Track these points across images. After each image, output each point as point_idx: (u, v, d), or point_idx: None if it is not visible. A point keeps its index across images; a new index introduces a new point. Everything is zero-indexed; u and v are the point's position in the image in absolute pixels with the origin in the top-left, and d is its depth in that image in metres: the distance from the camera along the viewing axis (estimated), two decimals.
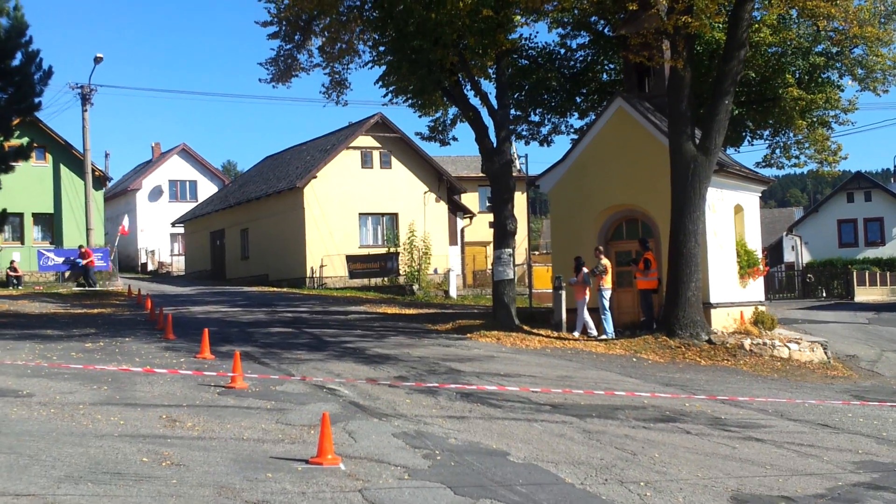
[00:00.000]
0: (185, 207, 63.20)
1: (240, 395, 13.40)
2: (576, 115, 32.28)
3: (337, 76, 27.56)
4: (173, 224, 60.89)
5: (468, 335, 23.09)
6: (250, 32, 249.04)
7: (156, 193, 65.54)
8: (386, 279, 43.81)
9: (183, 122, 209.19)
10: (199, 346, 17.64)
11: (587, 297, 23.55)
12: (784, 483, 9.82)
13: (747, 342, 22.14)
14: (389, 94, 27.22)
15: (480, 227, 52.07)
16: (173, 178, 66.84)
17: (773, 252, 71.97)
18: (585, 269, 23.58)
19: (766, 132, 31.31)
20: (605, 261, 23.49)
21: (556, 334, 23.71)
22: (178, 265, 62.88)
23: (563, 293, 24.51)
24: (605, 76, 32.10)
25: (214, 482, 8.58)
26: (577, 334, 23.34)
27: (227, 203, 53.64)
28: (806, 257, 67.54)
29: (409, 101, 27.84)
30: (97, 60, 43.79)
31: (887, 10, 25.75)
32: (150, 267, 62.66)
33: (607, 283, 23.35)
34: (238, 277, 50.40)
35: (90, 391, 13.17)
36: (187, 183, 67.46)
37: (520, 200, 41.61)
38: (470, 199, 56.54)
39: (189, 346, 18.76)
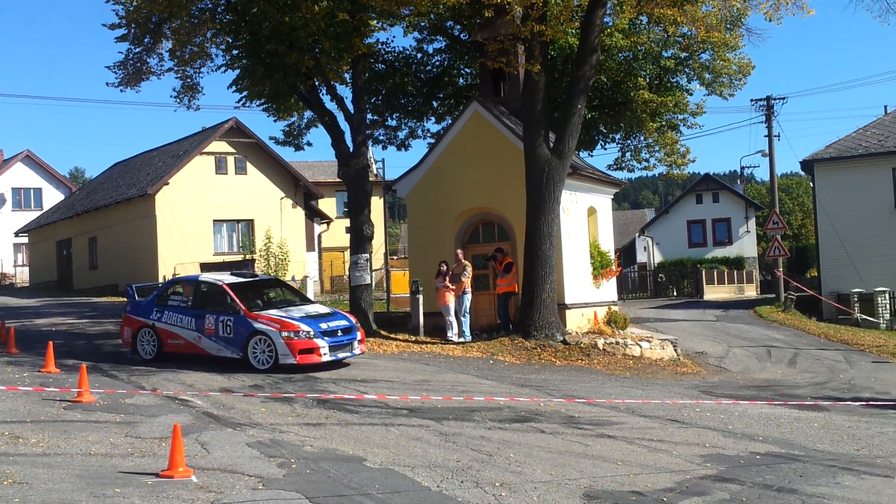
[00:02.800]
0: (30, 216, 60.83)
1: (87, 409, 12.97)
2: (433, 119, 32.44)
3: (189, 80, 27.00)
4: (17, 234, 58.63)
5: None
6: (98, 35, 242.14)
7: None
8: None
9: (27, 128, 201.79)
10: (43, 359, 17.03)
11: (453, 301, 23.57)
12: (635, 478, 10.01)
13: (601, 342, 22.57)
14: (243, 99, 26.84)
15: (338, 233, 51.74)
16: (17, 186, 64.29)
17: (627, 253, 73.78)
18: (454, 274, 23.57)
19: (618, 136, 32.05)
20: (468, 265, 23.61)
21: (413, 338, 23.72)
22: (23, 276, 60.51)
23: (421, 297, 24.54)
24: (461, 80, 32.33)
25: (59, 500, 8.27)
26: (456, 338, 23.28)
27: (74, 211, 51.89)
28: (658, 257, 69.40)
29: (264, 105, 27.53)
30: None
31: (733, 17, 26.64)
32: None
33: (468, 286, 23.48)
34: (86, 288, 48.77)
35: None
36: (32, 191, 64.95)
37: (377, 205, 41.57)
38: (327, 205, 56.21)
39: (33, 359, 18.09)
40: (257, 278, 22.80)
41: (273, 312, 18.86)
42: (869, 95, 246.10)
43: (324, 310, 20.13)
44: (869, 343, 28.35)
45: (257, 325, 18.26)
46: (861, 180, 39.17)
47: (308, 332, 18.09)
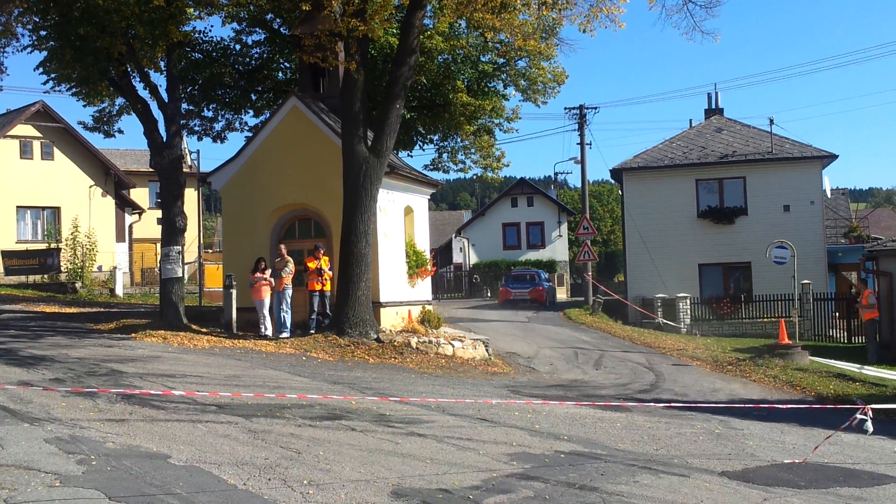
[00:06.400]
0: None
1: None
2: (251, 112, 32.04)
3: None
4: None
5: (133, 335, 22.23)
6: None
7: None
8: (46, 276, 41.52)
9: None
10: None
11: (268, 296, 23.25)
12: (442, 476, 10.10)
13: (414, 340, 22.72)
14: (51, 82, 25.81)
15: (150, 224, 50.56)
16: None
17: (444, 253, 74.63)
18: (276, 269, 23.19)
19: (436, 137, 32.42)
20: (290, 260, 23.31)
21: (226, 333, 23.32)
22: None
23: (234, 292, 24.12)
24: (280, 74, 32.05)
25: None
26: (271, 333, 22.97)
27: None
28: (473, 258, 70.47)
29: (73, 89, 26.52)
30: None
31: (548, 26, 27.34)
32: None
33: (289, 282, 23.19)
34: None
35: None
36: None
37: (192, 197, 40.70)
38: (140, 195, 54.80)
39: None
40: None
41: None
42: (676, 109, 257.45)
43: None
44: (670, 346, 29.56)
45: None
46: (666, 190, 40.93)
47: None
